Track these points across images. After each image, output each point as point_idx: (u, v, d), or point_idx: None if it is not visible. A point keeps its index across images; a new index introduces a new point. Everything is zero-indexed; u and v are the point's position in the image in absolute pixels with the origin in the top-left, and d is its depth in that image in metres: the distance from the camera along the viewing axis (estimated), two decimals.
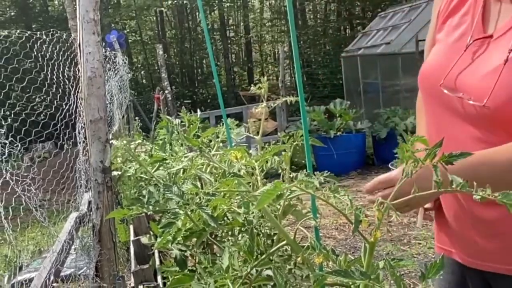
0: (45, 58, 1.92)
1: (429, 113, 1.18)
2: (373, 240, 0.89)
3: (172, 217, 1.16)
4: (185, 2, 17.01)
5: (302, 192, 0.89)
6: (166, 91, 8.78)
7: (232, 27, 21.40)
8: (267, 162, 1.36)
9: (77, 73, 1.83)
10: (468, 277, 1.20)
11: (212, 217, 1.18)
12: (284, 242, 1.18)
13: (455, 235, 1.17)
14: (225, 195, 1.22)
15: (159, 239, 1.33)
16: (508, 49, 0.98)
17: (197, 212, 1.19)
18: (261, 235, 1.39)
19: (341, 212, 0.90)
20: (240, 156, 1.18)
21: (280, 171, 1.39)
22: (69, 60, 2.08)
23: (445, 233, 1.21)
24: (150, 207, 1.35)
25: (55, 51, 2.01)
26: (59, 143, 1.99)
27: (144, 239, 2.22)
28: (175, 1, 16.90)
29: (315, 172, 1.00)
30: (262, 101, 1.58)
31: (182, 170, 1.67)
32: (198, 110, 2.20)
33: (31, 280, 1.51)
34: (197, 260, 1.47)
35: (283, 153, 1.46)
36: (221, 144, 1.80)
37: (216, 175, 1.50)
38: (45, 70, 1.91)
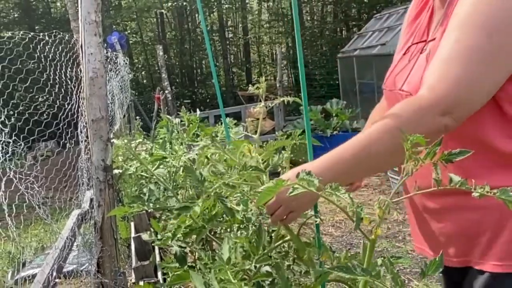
0: (48, 59, 1.93)
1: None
2: (374, 237, 0.89)
3: (190, 201, 1.15)
4: (184, 4, 16.98)
5: (303, 190, 0.88)
6: (166, 91, 8.81)
7: (230, 28, 21.38)
8: (273, 157, 1.37)
9: (79, 73, 1.84)
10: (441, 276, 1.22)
11: (228, 209, 1.18)
12: (287, 238, 1.19)
13: (418, 231, 1.20)
14: (237, 188, 1.20)
15: (159, 236, 1.35)
16: (425, 43, 1.10)
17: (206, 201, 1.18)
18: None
19: (343, 210, 0.90)
20: (253, 149, 1.20)
21: (278, 169, 1.41)
22: (71, 60, 2.08)
23: (414, 232, 1.24)
24: (151, 204, 1.38)
25: (57, 52, 2.02)
26: (61, 142, 2.01)
27: (145, 236, 2.24)
28: (175, 3, 16.88)
29: None
30: (260, 101, 1.60)
31: (181, 168, 1.69)
32: (198, 110, 2.22)
33: (34, 276, 1.52)
34: (196, 256, 1.50)
35: (282, 151, 1.48)
36: None
37: (225, 167, 1.50)
38: (47, 70, 1.92)
